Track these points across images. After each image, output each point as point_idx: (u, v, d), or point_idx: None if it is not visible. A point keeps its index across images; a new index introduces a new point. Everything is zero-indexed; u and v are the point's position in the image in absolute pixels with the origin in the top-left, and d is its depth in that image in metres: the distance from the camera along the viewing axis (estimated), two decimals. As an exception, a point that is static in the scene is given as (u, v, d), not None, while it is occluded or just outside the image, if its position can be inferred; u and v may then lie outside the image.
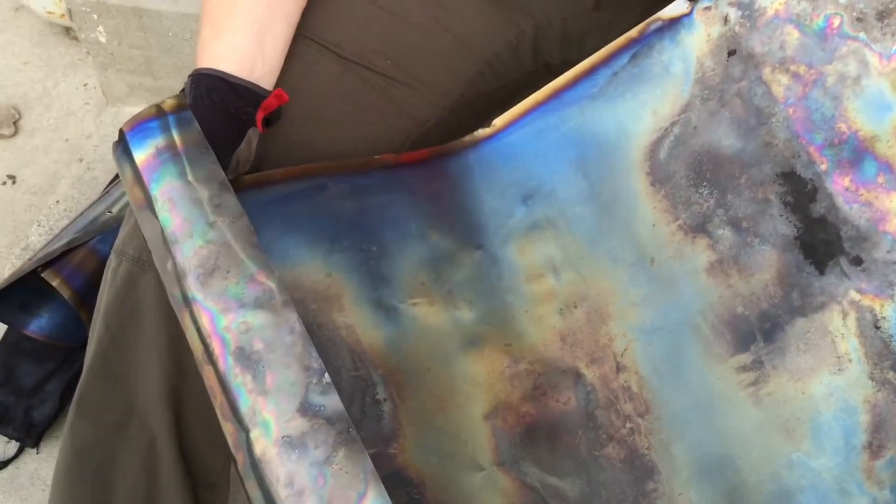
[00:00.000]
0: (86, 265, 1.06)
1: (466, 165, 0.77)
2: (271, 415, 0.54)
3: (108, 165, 1.36)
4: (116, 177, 1.17)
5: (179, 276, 0.59)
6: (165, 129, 0.64)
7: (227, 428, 0.55)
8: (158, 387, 0.76)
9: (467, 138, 0.78)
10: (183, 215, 0.60)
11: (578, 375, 0.71)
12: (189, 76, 0.71)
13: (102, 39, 1.35)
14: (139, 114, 0.65)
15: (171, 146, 0.63)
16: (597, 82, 0.75)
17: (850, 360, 0.64)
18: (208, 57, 0.72)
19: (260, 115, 0.71)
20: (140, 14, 1.31)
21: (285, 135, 0.76)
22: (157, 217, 0.61)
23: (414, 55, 0.81)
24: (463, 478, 0.63)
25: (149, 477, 0.78)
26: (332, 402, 0.54)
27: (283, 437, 0.53)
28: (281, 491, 0.52)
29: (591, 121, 0.74)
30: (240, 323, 0.57)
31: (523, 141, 0.76)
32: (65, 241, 1.08)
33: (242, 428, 0.54)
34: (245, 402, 0.54)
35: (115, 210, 1.10)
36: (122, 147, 0.64)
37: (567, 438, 0.67)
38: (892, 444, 0.63)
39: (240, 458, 0.54)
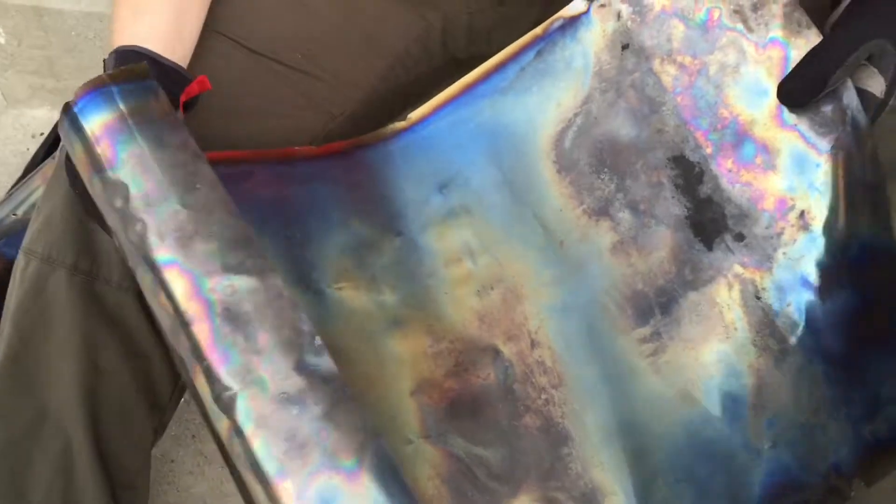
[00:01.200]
0: (-9, 269, 1.03)
1: (385, 156, 0.79)
2: (267, 373, 0.55)
3: (10, 169, 1.32)
4: (20, 178, 1.14)
5: (150, 241, 0.57)
6: (130, 95, 0.62)
7: (208, 392, 0.55)
8: (72, 388, 0.74)
9: (385, 130, 0.80)
10: (156, 179, 0.59)
11: (496, 352, 0.75)
12: (112, 53, 0.70)
13: (1, 40, 1.32)
14: (92, 80, 0.62)
15: (140, 111, 0.61)
16: (506, 77, 0.79)
17: (735, 329, 0.71)
18: (128, 36, 0.70)
19: (182, 100, 0.70)
20: (41, 13, 1.27)
21: (200, 126, 0.75)
22: (122, 180, 0.59)
23: (324, 49, 0.82)
24: (395, 451, 0.64)
25: (65, 481, 0.76)
26: (326, 362, 0.56)
27: (280, 394, 0.54)
28: (283, 444, 0.53)
29: (501, 113, 0.79)
30: (225, 286, 0.57)
31: (439, 133, 0.80)
32: (-33, 245, 1.05)
33: (235, 385, 0.54)
34: (236, 362, 0.55)
35: (20, 212, 1.07)
36: (71, 117, 0.61)
37: (488, 411, 0.71)
38: (772, 405, 0.69)
39: (225, 423, 0.54)
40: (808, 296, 0.69)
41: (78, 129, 0.61)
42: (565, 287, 0.74)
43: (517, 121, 0.78)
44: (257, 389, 0.54)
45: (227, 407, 0.54)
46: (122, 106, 0.61)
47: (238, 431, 0.53)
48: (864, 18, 0.62)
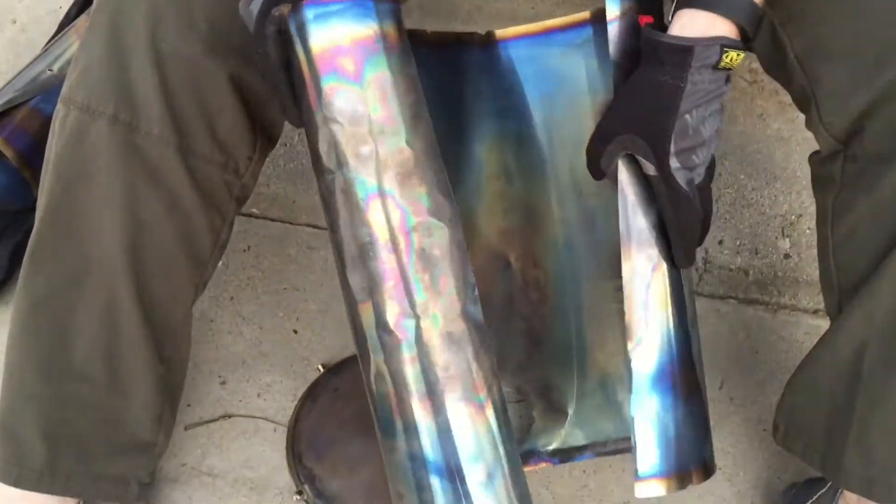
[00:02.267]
0: (28, 124, 1.03)
1: (468, 61, 0.88)
2: (440, 312, 0.68)
3: (43, 27, 1.29)
4: (55, 35, 1.12)
5: (379, 166, 0.67)
6: (386, 16, 0.68)
7: (393, 308, 0.67)
8: (115, 239, 0.74)
9: (472, 35, 0.88)
10: (393, 110, 0.67)
11: (507, 264, 0.93)
12: None
13: None
14: None
15: (388, 36, 0.67)
16: (581, 35, 0.86)
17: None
18: None
19: None
20: None
21: None
22: (365, 99, 0.66)
23: None
24: None
25: (110, 330, 0.78)
26: (479, 313, 0.70)
27: (446, 332, 0.68)
28: (439, 373, 0.68)
29: (567, 65, 0.87)
30: (425, 227, 0.67)
31: (514, 60, 0.88)
32: (2, 101, 1.04)
33: (413, 314, 0.67)
34: (421, 295, 0.67)
35: (55, 68, 1.06)
36: (316, 15, 0.65)
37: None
38: None
39: (400, 335, 0.67)
40: None
41: (321, 29, 0.65)
42: (573, 230, 0.85)
43: (578, 77, 0.86)
44: (431, 322, 0.67)
45: (398, 327, 0.67)
46: (377, 25, 0.67)
47: (401, 347, 0.67)
48: (611, 118, 0.71)
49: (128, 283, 0.76)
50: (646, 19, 0.70)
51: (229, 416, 1.02)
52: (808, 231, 1.12)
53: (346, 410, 1.00)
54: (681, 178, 0.68)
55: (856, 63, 0.69)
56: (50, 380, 0.78)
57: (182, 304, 0.83)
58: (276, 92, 0.69)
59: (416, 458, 0.69)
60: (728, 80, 0.68)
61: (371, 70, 0.66)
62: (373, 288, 0.68)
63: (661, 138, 0.67)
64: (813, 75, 0.72)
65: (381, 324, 0.68)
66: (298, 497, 0.95)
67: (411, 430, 0.69)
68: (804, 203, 1.13)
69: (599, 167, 0.72)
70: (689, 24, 0.66)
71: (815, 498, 0.88)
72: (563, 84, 0.87)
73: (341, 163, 0.67)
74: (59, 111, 0.74)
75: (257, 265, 1.16)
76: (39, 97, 1.05)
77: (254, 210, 1.20)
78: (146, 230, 0.75)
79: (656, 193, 0.70)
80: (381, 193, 0.67)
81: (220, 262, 1.11)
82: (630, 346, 0.73)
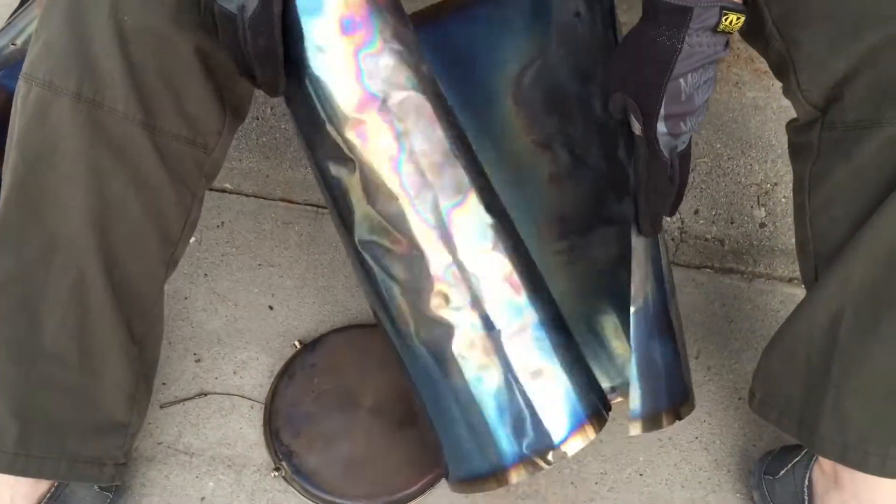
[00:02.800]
0: (-9, 100, 1.00)
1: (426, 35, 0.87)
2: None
3: (6, 0, 1.26)
4: (18, 7, 1.10)
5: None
6: None
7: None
8: (81, 217, 0.73)
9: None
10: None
11: None
12: None
13: None
14: None
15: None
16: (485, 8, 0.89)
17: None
18: None
19: None
20: None
21: None
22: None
23: None
24: None
25: (80, 310, 0.76)
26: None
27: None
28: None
29: (476, 42, 0.91)
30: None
31: (442, 37, 0.90)
32: (-34, 77, 1.01)
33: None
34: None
35: (19, 42, 1.03)
36: None
37: None
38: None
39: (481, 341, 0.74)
40: None
41: None
42: (509, 195, 0.84)
43: (491, 50, 0.90)
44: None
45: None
46: None
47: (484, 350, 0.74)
48: (607, 74, 0.70)
49: (97, 261, 0.74)
50: None
51: (205, 394, 1.01)
52: (783, 200, 1.12)
53: (323, 386, 0.99)
54: (665, 144, 0.67)
55: (834, 29, 0.68)
56: (20, 361, 0.77)
57: (153, 281, 0.81)
58: (264, 56, 0.67)
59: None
60: (727, 45, 0.66)
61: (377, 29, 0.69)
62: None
63: (651, 99, 0.66)
64: (791, 41, 0.71)
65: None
66: (276, 473, 0.95)
67: None
68: (779, 172, 1.13)
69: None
70: None
71: (790, 465, 0.89)
72: (476, 60, 0.91)
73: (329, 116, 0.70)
74: (21, 87, 0.72)
75: (231, 241, 1.14)
76: (3, 72, 1.02)
77: (227, 185, 1.18)
78: (113, 208, 0.73)
79: (636, 154, 0.70)
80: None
81: (194, 239, 1.10)
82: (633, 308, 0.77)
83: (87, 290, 0.76)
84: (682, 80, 0.65)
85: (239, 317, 1.08)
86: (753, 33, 0.76)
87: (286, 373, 1.01)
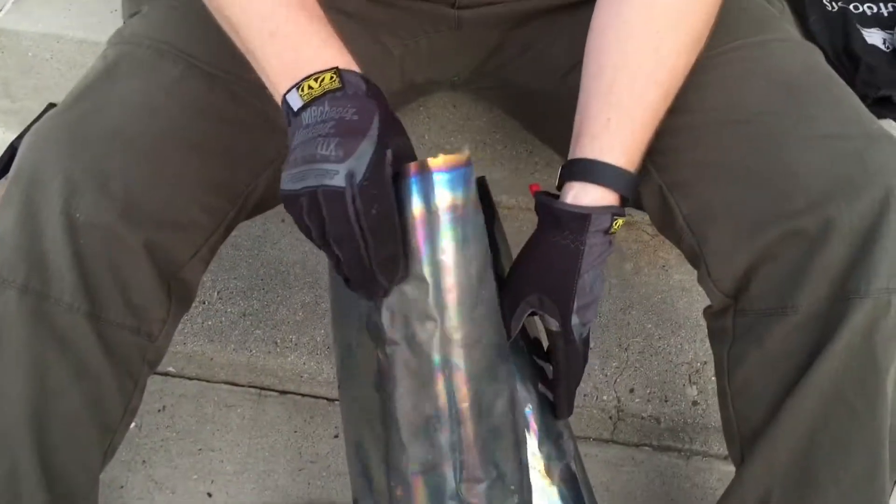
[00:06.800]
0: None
1: None
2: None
3: (-40, 189, 1.29)
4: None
5: (444, 341, 0.68)
6: (458, 184, 0.67)
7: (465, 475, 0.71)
8: (19, 408, 0.73)
9: None
10: (461, 279, 0.68)
11: None
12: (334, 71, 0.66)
13: (-45, 60, 1.30)
14: (454, 158, 0.66)
15: (456, 206, 0.67)
16: None
17: None
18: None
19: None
20: (-4, 33, 1.27)
21: None
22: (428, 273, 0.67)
23: None
24: None
25: (10, 500, 0.75)
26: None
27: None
28: None
29: None
30: (491, 394, 0.72)
31: None
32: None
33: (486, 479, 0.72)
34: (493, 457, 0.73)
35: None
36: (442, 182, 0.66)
37: None
38: None
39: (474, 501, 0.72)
40: None
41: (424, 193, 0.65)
42: None
43: None
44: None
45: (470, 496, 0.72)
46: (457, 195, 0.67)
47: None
48: (520, 282, 0.75)
49: (31, 453, 0.74)
50: (535, 187, 0.76)
51: (136, 589, 0.97)
52: (713, 378, 1.15)
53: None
54: (576, 332, 0.74)
55: (736, 225, 0.75)
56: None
57: (89, 471, 0.80)
58: (382, 242, 0.63)
59: None
60: (611, 243, 0.74)
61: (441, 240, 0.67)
62: (437, 460, 0.70)
63: (567, 297, 0.73)
64: (700, 236, 0.78)
65: (448, 493, 0.71)
66: None
67: None
68: (708, 351, 1.17)
69: (509, 327, 0.76)
70: (582, 194, 0.72)
71: None
72: None
73: (407, 335, 0.68)
74: (-31, 279, 0.74)
75: (172, 426, 1.13)
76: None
77: (170, 368, 1.18)
78: (52, 397, 0.74)
79: (554, 348, 0.76)
80: (447, 366, 0.69)
81: (134, 425, 1.09)
82: None
83: (18, 482, 0.75)
84: (586, 276, 0.72)
85: (176, 505, 1.05)
86: (667, 228, 0.82)
87: (222, 564, 0.98)
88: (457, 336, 0.68)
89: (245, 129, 0.81)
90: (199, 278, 0.83)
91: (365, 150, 0.61)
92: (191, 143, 0.77)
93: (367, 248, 0.62)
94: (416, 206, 0.65)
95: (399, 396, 0.70)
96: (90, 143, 0.74)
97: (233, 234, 0.84)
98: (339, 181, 0.60)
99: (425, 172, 0.65)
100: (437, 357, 0.69)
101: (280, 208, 1.13)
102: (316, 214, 0.62)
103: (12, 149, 1.22)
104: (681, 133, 0.78)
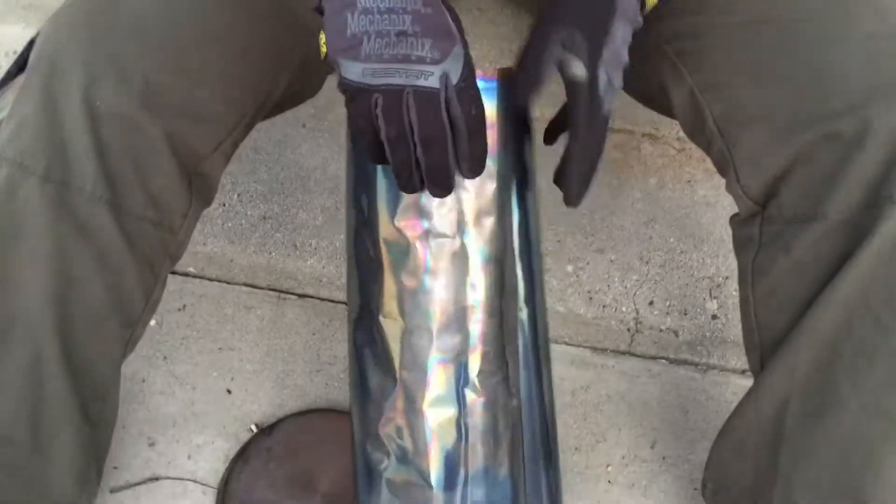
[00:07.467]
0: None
1: None
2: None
3: (-20, 84, 1.29)
4: (-9, 91, 1.12)
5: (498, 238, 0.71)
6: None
7: (484, 366, 0.72)
8: (41, 295, 0.73)
9: None
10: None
11: None
12: None
13: (-28, -49, 1.28)
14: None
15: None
16: None
17: None
18: None
19: None
20: (14, -77, 1.24)
21: None
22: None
23: None
24: None
25: (34, 389, 0.75)
26: None
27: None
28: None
29: None
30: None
31: None
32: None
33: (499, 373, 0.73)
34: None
35: (-9, 124, 1.05)
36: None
37: None
38: None
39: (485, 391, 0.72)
40: None
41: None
42: None
43: None
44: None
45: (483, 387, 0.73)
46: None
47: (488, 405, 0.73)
48: (553, 15, 0.68)
49: (54, 339, 0.74)
50: None
51: (157, 479, 1.00)
52: (734, 293, 1.15)
53: (279, 471, 0.99)
54: (602, 87, 0.66)
55: (769, 128, 0.72)
56: (-30, 441, 0.76)
57: (110, 362, 0.81)
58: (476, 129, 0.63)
59: None
60: (644, 21, 0.68)
61: None
62: (465, 348, 0.71)
63: (601, 32, 0.65)
64: (731, 140, 0.76)
65: (466, 381, 0.72)
66: (228, 562, 0.93)
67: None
68: (731, 266, 1.17)
69: (529, 70, 0.69)
70: None
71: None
72: None
73: (461, 228, 0.69)
74: (-9, 167, 0.74)
75: (192, 324, 1.15)
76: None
77: (190, 269, 1.19)
78: (74, 286, 0.74)
79: (574, 102, 0.66)
80: (490, 260, 0.71)
81: (154, 322, 1.11)
82: None
83: (42, 370, 0.75)
84: (619, 23, 0.65)
85: (196, 400, 1.07)
86: (697, 133, 0.80)
87: (241, 457, 1.00)
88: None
89: (268, 25, 0.80)
90: (219, 174, 0.82)
91: (458, 53, 0.61)
92: (213, 35, 0.76)
93: (455, 150, 0.62)
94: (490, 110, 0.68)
95: (438, 288, 0.70)
96: (110, 30, 0.72)
97: (253, 137, 0.84)
98: (433, 82, 0.60)
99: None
100: (487, 251, 0.71)
101: (299, 112, 1.12)
102: (395, 114, 0.60)
103: (32, 45, 1.20)
104: (714, 33, 0.75)
